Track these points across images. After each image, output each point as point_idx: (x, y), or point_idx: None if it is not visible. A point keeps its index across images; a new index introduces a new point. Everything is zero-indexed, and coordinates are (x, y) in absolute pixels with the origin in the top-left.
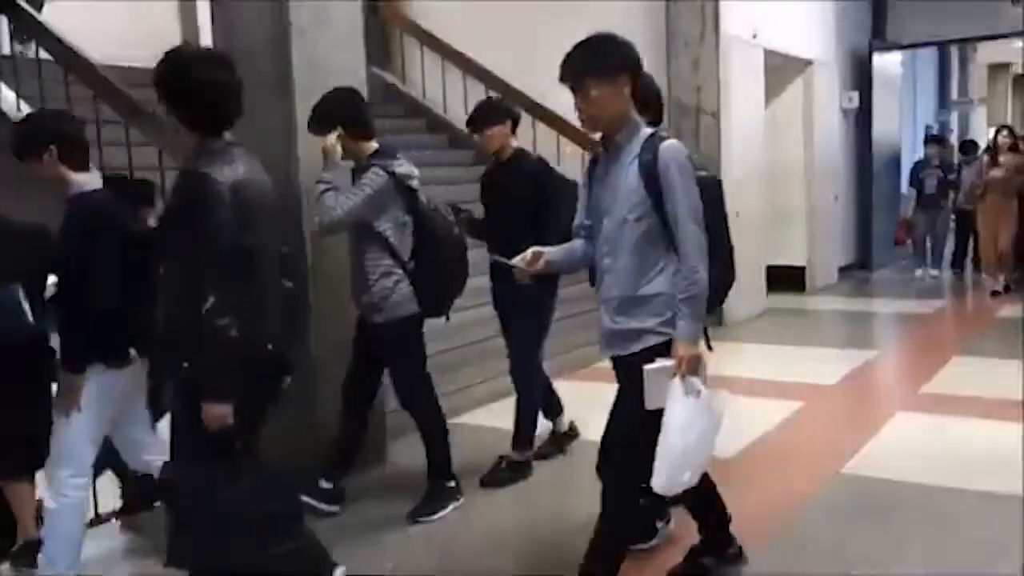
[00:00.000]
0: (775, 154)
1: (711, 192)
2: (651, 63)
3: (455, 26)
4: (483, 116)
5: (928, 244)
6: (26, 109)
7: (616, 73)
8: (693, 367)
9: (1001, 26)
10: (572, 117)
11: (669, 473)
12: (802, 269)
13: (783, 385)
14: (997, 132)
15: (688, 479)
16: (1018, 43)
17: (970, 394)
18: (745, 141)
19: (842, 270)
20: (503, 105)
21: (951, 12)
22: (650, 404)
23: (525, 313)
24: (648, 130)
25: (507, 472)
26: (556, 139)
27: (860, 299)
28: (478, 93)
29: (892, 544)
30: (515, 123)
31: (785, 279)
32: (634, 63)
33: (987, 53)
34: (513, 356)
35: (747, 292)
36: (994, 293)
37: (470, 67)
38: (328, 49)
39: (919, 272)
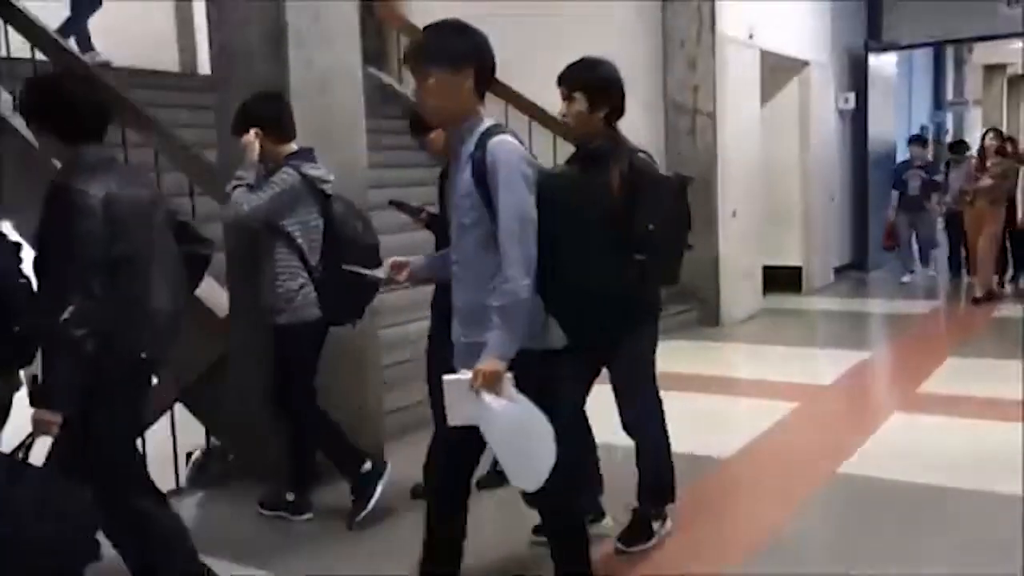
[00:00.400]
0: (771, 155)
1: (552, 191)
2: (648, 63)
3: None
4: (420, 121)
5: (915, 246)
6: None
7: (459, 62)
8: (491, 383)
9: (997, 27)
10: None
11: (526, 476)
12: (798, 269)
13: (779, 385)
14: (985, 135)
15: (544, 473)
16: (1013, 44)
17: (967, 394)
18: (741, 141)
19: (838, 271)
20: None
21: (947, 13)
22: (451, 420)
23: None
24: (488, 123)
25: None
26: (552, 140)
27: (856, 299)
28: None
29: (891, 544)
30: None
31: (781, 280)
32: (481, 55)
33: (982, 54)
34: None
35: (744, 293)
36: (984, 298)
37: None
38: (324, 49)
39: (906, 278)
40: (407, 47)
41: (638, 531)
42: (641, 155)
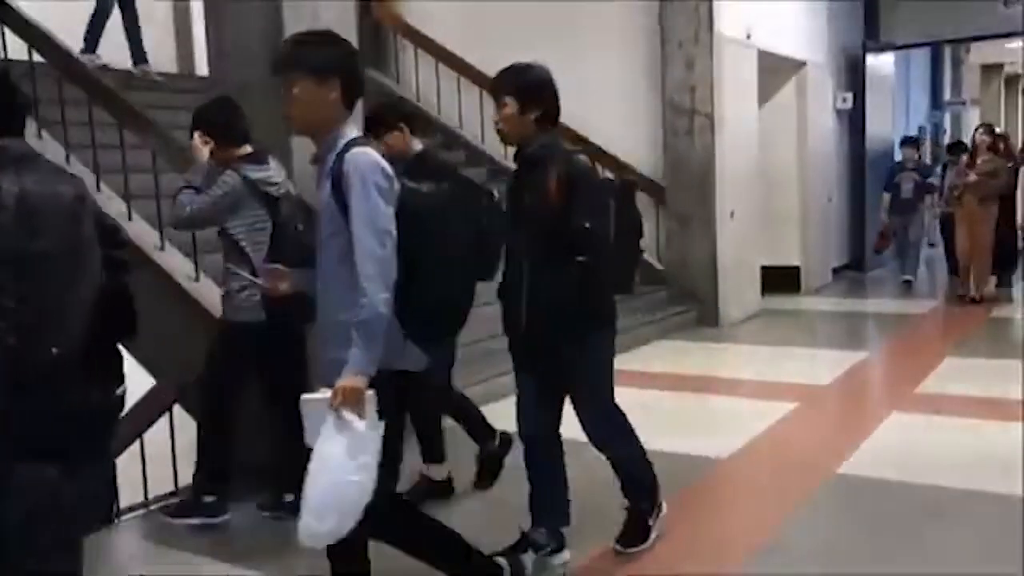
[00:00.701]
0: (769, 155)
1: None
2: (645, 63)
3: (449, 26)
4: (375, 125)
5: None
6: None
7: (324, 73)
8: (352, 401)
9: (994, 27)
10: (568, 120)
11: (308, 520)
12: (796, 270)
13: (778, 385)
14: (976, 131)
15: (334, 527)
16: (1011, 43)
17: (965, 394)
18: (739, 142)
19: (836, 271)
20: (394, 109)
21: (944, 13)
22: (309, 440)
23: None
24: (352, 135)
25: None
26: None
27: (854, 300)
28: (473, 95)
29: (890, 544)
30: (411, 123)
31: (779, 280)
32: (347, 67)
33: (980, 54)
34: None
35: (742, 293)
36: (965, 299)
37: (464, 69)
38: None
39: (912, 280)
40: (275, 55)
41: (634, 532)
42: (580, 157)
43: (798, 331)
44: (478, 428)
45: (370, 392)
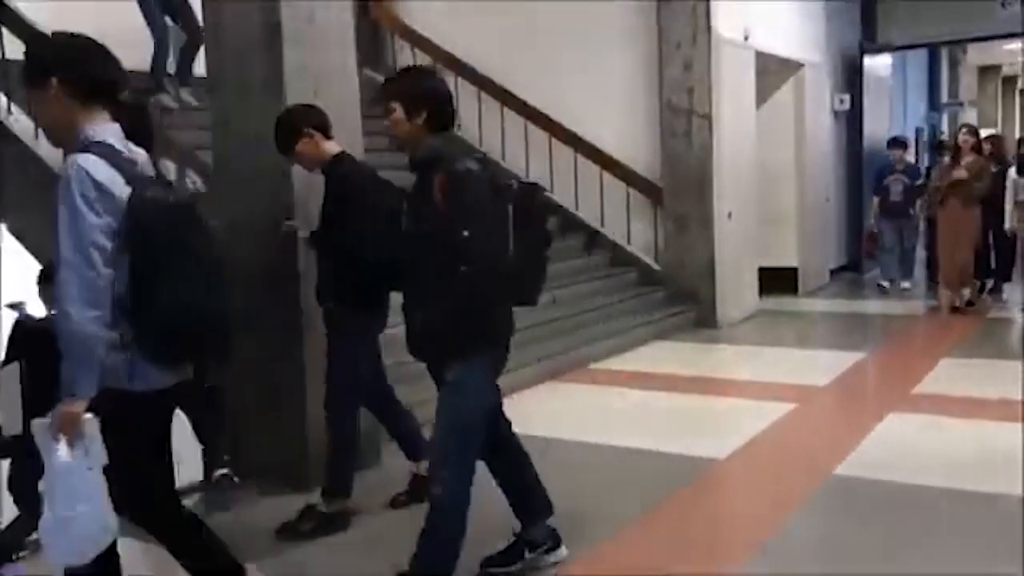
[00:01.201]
0: (767, 155)
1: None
2: (644, 64)
3: (447, 27)
4: (285, 134)
5: (897, 255)
6: (17, 113)
7: (42, 74)
8: (67, 426)
9: (991, 28)
10: (565, 118)
11: (45, 540)
12: (794, 271)
13: (776, 386)
14: (958, 132)
15: (62, 554)
16: (1008, 45)
17: (962, 394)
18: (737, 143)
19: (833, 272)
20: (303, 115)
21: (941, 14)
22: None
23: (338, 336)
24: (91, 139)
25: (311, 524)
26: (548, 140)
27: (851, 301)
28: (470, 94)
29: (889, 545)
30: (322, 129)
31: (777, 281)
32: (62, 61)
33: (977, 55)
34: (327, 384)
35: (740, 294)
36: (953, 309)
37: (462, 69)
38: (319, 49)
39: (884, 283)
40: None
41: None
42: (464, 161)
43: (796, 332)
44: (339, 467)
45: (88, 416)
